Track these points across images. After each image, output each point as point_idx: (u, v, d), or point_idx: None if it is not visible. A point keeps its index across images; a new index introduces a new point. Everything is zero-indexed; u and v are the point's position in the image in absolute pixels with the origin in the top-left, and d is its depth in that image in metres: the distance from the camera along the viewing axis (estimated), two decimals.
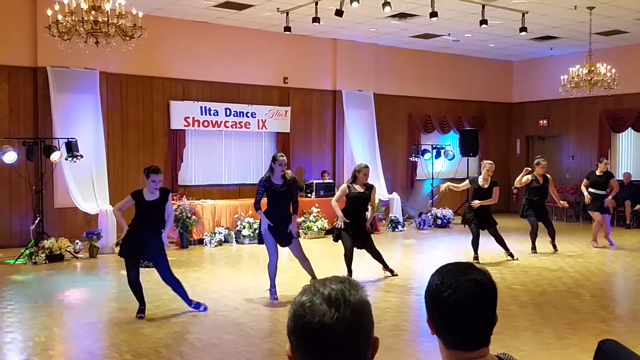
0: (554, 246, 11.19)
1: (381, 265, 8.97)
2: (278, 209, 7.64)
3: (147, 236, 6.78)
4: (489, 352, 1.77)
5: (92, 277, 9.52)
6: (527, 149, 18.49)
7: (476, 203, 10.08)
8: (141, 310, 6.86)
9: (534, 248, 11.15)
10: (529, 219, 11.07)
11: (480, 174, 10.48)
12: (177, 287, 7.02)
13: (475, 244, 10.17)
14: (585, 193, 11.79)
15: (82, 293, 8.52)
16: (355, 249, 8.64)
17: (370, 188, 8.69)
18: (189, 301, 7.05)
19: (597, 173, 11.88)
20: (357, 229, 8.57)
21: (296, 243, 7.74)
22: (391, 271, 9.00)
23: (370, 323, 1.41)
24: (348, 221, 8.51)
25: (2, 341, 6.17)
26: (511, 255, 10.40)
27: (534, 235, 11.14)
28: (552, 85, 15.08)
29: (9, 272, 9.50)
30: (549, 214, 11.71)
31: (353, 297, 1.38)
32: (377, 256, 8.86)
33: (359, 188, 8.56)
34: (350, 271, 8.46)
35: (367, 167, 8.73)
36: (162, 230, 6.97)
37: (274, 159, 7.62)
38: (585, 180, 12.01)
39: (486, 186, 10.17)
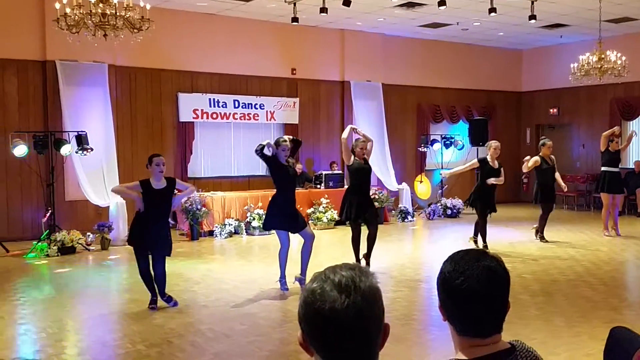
0: (537, 232, 11.19)
1: (365, 251, 8.54)
2: (285, 192, 7.57)
3: (156, 228, 6.76)
4: (501, 339, 1.76)
5: (103, 268, 9.58)
6: (537, 137, 18.33)
7: (491, 181, 9.91)
8: (153, 301, 6.89)
9: (542, 233, 11.14)
10: (542, 204, 11.03)
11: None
12: (162, 280, 6.87)
13: (483, 230, 10.10)
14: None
15: (94, 285, 8.57)
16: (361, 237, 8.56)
17: (367, 162, 8.57)
18: (162, 294, 6.89)
19: (611, 150, 11.76)
20: (362, 201, 8.42)
21: (307, 229, 7.68)
22: (367, 263, 8.51)
23: (380, 309, 1.41)
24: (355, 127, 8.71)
25: (15, 333, 6.24)
26: (475, 242, 10.17)
27: (543, 221, 11.12)
28: (562, 74, 14.98)
29: (22, 265, 9.58)
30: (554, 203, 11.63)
31: (363, 284, 1.38)
32: (371, 241, 8.51)
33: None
34: (358, 259, 8.43)
35: (363, 141, 8.56)
36: (170, 221, 6.95)
37: (277, 144, 7.54)
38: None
39: (496, 167, 10.07)
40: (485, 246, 9.95)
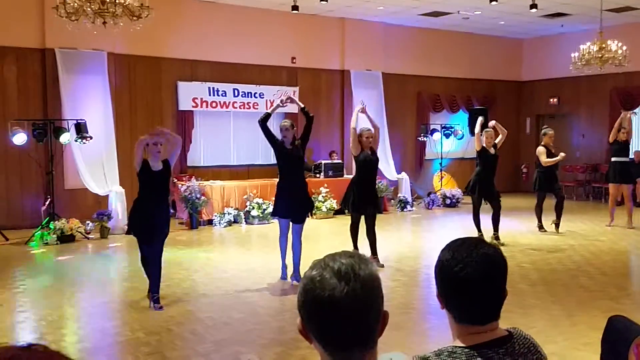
0: (557, 225, 11.00)
1: (370, 252, 8.28)
2: (289, 177, 7.49)
3: (157, 211, 6.60)
4: (499, 326, 1.77)
5: (103, 257, 9.60)
6: (537, 127, 18.34)
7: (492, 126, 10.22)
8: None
9: (541, 226, 11.12)
10: (538, 193, 11.04)
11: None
12: (158, 270, 6.66)
13: (476, 219, 10.06)
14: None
15: (93, 273, 8.58)
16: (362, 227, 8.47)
17: (375, 153, 8.37)
18: (156, 290, 6.58)
19: (619, 140, 11.74)
20: (366, 195, 8.27)
21: (302, 225, 7.54)
22: (377, 260, 8.29)
23: (380, 297, 1.42)
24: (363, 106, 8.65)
25: (15, 320, 6.25)
26: (497, 238, 9.88)
27: (539, 210, 11.11)
28: (563, 63, 14.94)
29: (21, 253, 9.59)
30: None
31: (363, 271, 1.38)
32: (372, 237, 8.34)
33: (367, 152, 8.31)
34: (356, 247, 8.37)
35: (368, 130, 8.38)
36: (170, 207, 6.77)
37: (280, 129, 7.54)
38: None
39: (492, 152, 10.01)
40: (480, 235, 9.86)
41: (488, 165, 9.99)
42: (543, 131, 11.30)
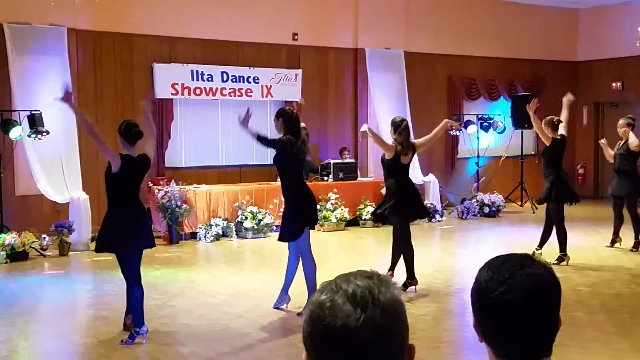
0: (636, 244, 10.80)
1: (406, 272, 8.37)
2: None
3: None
4: None
5: (63, 278, 9.62)
6: (597, 118, 18.33)
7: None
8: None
9: (614, 240, 10.99)
10: (615, 198, 11.00)
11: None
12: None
13: (543, 232, 9.94)
14: None
15: (51, 298, 8.61)
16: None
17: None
18: (134, 322, 6.46)
19: None
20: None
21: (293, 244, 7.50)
22: (404, 285, 8.31)
23: (404, 327, 1.42)
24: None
25: None
26: (560, 259, 9.68)
27: (617, 223, 11.00)
28: (627, 39, 14.93)
29: None
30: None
31: (383, 296, 1.39)
32: (393, 252, 8.50)
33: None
34: (392, 267, 8.40)
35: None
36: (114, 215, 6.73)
37: None
38: None
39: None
40: (536, 251, 9.63)
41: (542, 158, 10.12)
42: None
